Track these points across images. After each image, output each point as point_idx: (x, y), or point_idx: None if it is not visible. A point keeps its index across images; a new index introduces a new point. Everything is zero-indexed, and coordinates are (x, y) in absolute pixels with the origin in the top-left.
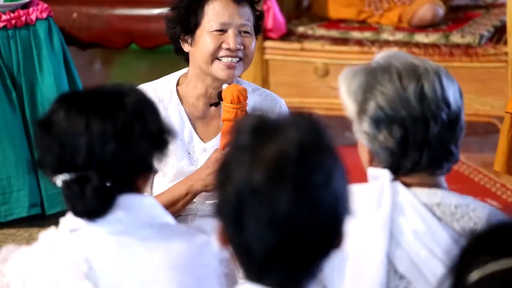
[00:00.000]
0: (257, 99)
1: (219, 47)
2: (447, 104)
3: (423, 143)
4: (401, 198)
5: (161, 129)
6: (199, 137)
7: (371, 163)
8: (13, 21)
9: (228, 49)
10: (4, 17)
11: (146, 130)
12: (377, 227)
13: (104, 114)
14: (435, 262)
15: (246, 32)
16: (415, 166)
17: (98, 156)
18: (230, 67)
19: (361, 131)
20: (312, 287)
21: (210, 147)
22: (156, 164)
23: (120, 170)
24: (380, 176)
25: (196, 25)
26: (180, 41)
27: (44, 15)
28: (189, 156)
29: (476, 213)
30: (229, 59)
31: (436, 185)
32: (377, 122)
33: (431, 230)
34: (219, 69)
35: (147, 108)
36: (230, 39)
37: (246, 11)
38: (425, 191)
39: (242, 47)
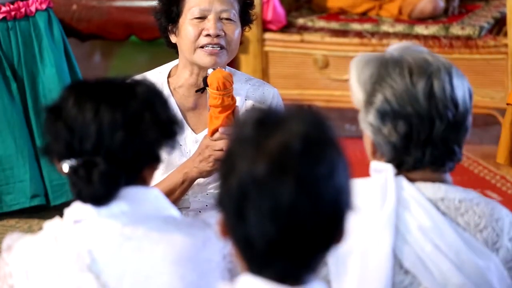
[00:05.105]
0: (250, 89)
1: (199, 34)
2: (455, 104)
3: (426, 141)
4: (405, 193)
5: (170, 120)
6: (191, 128)
7: (374, 155)
8: (12, 13)
9: (208, 35)
10: (3, 8)
11: (156, 120)
12: (383, 221)
13: (115, 101)
14: (440, 257)
15: (228, 19)
16: (417, 163)
17: (106, 143)
18: (212, 53)
19: (366, 122)
20: (312, 281)
21: (201, 138)
22: (163, 155)
23: (127, 158)
24: (383, 170)
25: (178, 14)
26: (168, 32)
27: (44, 6)
28: (180, 147)
29: (480, 207)
30: (210, 47)
31: (440, 180)
32: (383, 115)
33: (436, 225)
34: (202, 56)
35: (157, 98)
36: (209, 25)
37: None
38: (428, 186)
39: (223, 34)
